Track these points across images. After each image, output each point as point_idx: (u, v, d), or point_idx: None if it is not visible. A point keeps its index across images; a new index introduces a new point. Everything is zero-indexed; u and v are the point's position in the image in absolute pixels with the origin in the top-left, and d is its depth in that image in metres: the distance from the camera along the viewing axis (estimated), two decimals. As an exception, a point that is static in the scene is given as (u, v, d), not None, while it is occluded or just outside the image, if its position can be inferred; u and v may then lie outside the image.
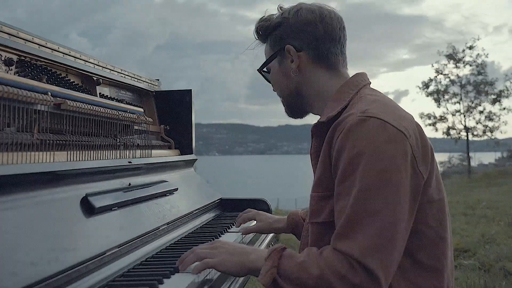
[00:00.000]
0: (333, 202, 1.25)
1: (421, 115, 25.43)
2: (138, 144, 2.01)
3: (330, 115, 1.33)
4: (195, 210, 2.09)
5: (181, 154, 2.57)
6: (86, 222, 1.33)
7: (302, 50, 1.42)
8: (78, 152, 1.55)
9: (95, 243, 1.27)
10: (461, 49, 25.05)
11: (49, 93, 1.44)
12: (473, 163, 27.52)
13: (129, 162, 1.75)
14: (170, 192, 1.97)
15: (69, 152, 1.50)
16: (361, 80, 1.42)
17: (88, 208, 1.36)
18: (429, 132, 24.97)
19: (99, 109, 1.68)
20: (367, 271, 1.11)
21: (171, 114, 2.59)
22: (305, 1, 1.47)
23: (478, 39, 24.55)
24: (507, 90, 23.48)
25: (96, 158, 1.65)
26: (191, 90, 2.66)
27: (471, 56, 24.05)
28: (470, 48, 24.00)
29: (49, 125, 1.45)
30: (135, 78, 2.40)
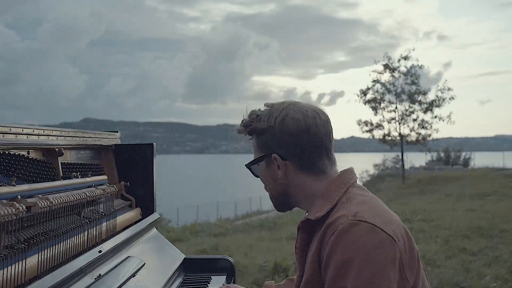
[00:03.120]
0: None
1: (359, 122, 26.13)
2: (103, 214, 1.92)
3: (318, 215, 1.33)
4: (164, 285, 2.01)
5: (142, 211, 2.48)
6: None
7: (288, 159, 1.40)
8: (47, 250, 1.44)
9: None
10: (397, 59, 26.06)
11: (19, 197, 1.33)
12: (406, 165, 28.68)
13: (100, 251, 1.65)
14: (139, 269, 1.89)
15: (40, 254, 1.40)
16: (349, 178, 1.42)
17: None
18: (366, 134, 25.72)
19: (68, 198, 1.58)
20: None
21: (131, 168, 2.49)
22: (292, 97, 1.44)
23: (413, 50, 25.63)
24: (438, 100, 24.63)
25: (67, 251, 1.55)
26: (153, 144, 2.57)
27: (405, 67, 25.05)
28: (405, 58, 24.99)
29: (16, 228, 1.35)
30: (96, 138, 2.29)
